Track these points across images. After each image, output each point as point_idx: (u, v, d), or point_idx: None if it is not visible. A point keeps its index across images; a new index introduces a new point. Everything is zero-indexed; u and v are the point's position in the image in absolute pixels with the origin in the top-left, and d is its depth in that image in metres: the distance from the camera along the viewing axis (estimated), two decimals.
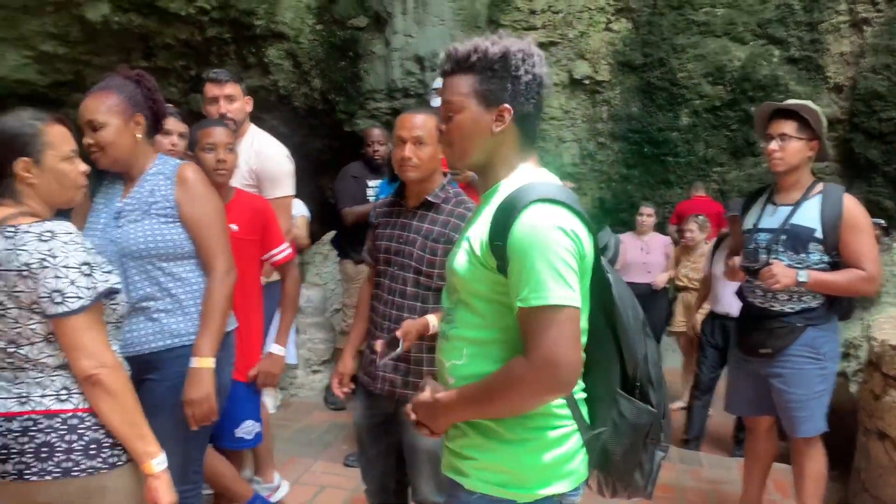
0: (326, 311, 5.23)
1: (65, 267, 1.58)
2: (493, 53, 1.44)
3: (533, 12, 6.16)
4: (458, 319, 1.50)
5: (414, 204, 2.41)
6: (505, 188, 1.46)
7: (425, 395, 1.52)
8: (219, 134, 2.60)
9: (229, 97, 3.05)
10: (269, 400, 4.21)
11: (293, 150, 3.32)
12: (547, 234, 1.33)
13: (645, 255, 5.47)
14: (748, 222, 2.93)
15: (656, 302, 5.38)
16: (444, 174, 2.45)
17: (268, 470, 3.25)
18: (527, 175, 1.48)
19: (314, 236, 7.55)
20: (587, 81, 6.19)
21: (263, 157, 3.10)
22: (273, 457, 3.30)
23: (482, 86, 1.45)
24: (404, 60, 6.26)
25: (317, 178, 6.95)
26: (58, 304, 1.56)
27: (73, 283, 1.58)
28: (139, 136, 2.19)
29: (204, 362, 2.16)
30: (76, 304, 1.58)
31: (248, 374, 2.68)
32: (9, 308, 1.59)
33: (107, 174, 2.32)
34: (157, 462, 1.69)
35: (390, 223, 2.46)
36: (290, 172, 3.19)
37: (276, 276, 2.98)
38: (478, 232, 1.45)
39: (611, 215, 6.33)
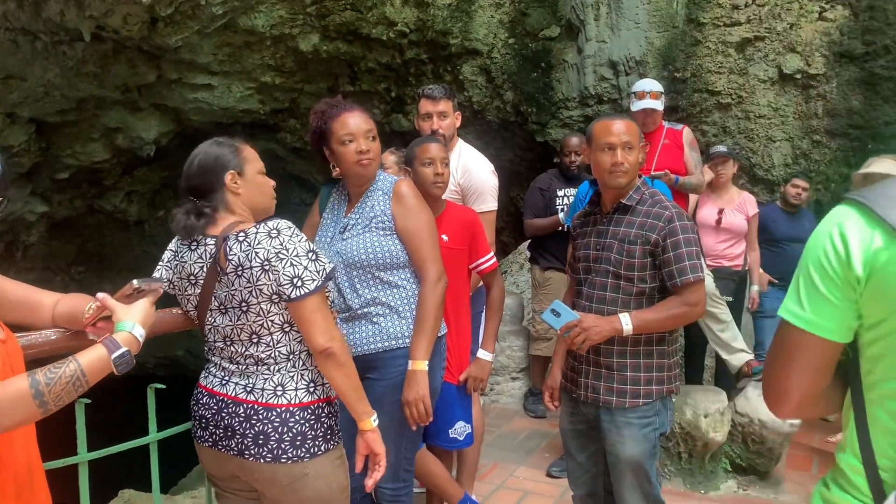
0: (524, 318, 5.28)
1: (297, 256, 1.77)
2: None
3: (736, 7, 5.84)
4: None
5: (609, 209, 2.40)
6: None
7: None
8: (436, 149, 2.74)
9: (442, 113, 3.19)
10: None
11: None
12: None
13: None
14: None
15: None
16: (639, 176, 2.44)
17: (469, 479, 3.28)
18: None
19: (508, 246, 7.66)
20: (799, 76, 5.74)
21: (470, 172, 3.21)
22: (477, 466, 3.36)
23: None
24: (598, 66, 6.18)
25: (509, 188, 7.05)
26: (298, 287, 1.76)
27: (306, 268, 1.77)
28: None
29: (418, 365, 2.30)
30: (312, 286, 1.77)
31: (459, 378, 2.78)
32: (252, 304, 1.80)
33: (333, 193, 2.53)
34: (374, 419, 1.92)
35: (588, 232, 2.47)
36: (494, 187, 3.27)
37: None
38: None
39: None
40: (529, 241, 5.04)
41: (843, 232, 1.08)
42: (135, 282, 1.62)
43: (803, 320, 1.12)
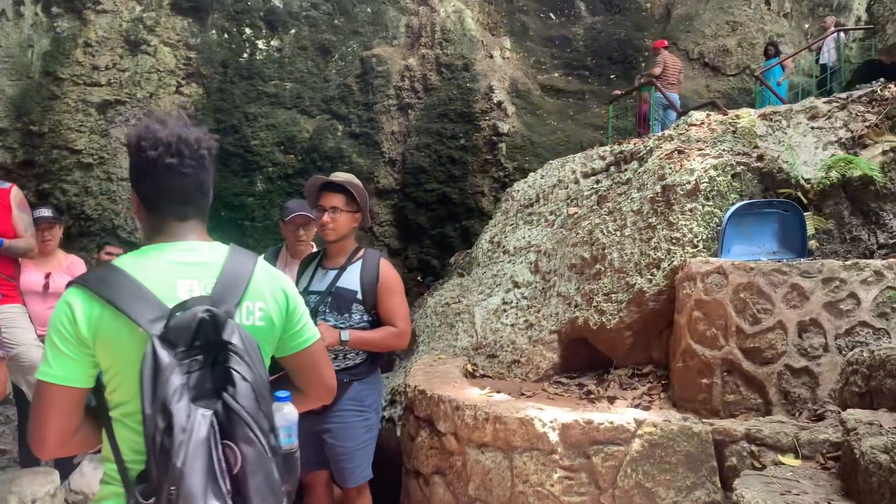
0: None
1: None
2: None
3: (96, 68, 5.85)
4: None
5: None
6: None
7: None
8: None
9: None
10: None
11: None
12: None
13: None
14: (301, 285, 3.16)
15: None
16: None
17: None
18: None
19: None
20: None
21: None
22: None
23: None
24: None
25: None
26: None
27: None
28: None
29: None
30: None
31: None
32: None
33: None
34: None
35: None
36: None
37: None
38: None
39: None
40: None
41: (72, 307, 1.43)
42: None
43: (52, 376, 1.43)
